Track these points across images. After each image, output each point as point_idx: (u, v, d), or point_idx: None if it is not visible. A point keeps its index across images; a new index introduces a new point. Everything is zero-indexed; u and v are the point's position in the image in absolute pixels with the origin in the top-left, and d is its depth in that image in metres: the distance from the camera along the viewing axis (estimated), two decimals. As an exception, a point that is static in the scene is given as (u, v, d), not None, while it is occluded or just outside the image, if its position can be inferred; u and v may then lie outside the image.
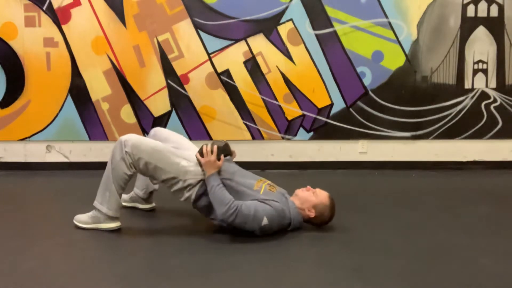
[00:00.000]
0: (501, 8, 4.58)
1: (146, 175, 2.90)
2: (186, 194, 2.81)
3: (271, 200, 2.74)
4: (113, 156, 2.79)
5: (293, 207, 2.83)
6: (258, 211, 2.67)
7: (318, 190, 2.90)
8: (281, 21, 4.55)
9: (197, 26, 4.54)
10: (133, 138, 2.79)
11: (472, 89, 4.66)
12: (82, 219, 2.92)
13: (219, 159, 2.80)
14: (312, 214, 2.83)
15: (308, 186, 2.93)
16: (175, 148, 2.94)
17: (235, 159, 3.03)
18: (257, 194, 2.77)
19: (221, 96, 4.61)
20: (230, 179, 2.81)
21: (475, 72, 4.64)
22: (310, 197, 2.85)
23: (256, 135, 4.66)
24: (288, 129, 4.66)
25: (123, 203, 3.19)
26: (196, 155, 2.82)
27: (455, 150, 4.73)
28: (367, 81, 4.63)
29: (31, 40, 4.52)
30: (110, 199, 2.81)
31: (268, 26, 4.55)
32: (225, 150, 2.86)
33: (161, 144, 2.89)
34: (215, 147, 2.80)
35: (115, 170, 2.78)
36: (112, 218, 2.86)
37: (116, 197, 2.81)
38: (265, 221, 2.68)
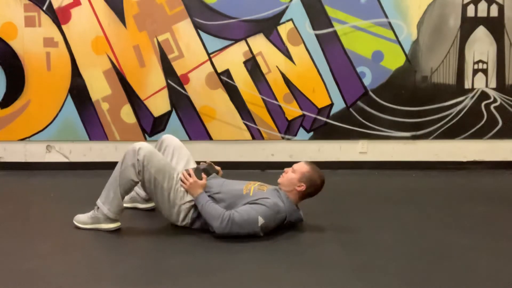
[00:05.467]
0: (501, 8, 4.57)
1: (145, 187, 2.88)
2: (183, 222, 2.87)
3: (261, 198, 2.78)
4: (124, 160, 2.82)
5: (285, 197, 2.85)
6: (251, 214, 2.70)
7: (294, 166, 2.94)
8: (281, 21, 4.55)
9: (197, 26, 4.54)
10: (147, 149, 2.82)
11: (472, 89, 4.65)
12: (82, 220, 2.92)
13: (200, 178, 2.84)
14: (303, 187, 2.86)
15: (285, 169, 2.96)
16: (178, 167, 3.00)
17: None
18: (247, 197, 2.80)
19: (221, 96, 4.61)
20: (218, 192, 2.86)
21: (475, 72, 4.64)
22: (291, 176, 2.89)
23: (256, 135, 4.65)
24: (288, 129, 4.66)
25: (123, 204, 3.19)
26: (180, 184, 2.86)
27: (455, 150, 4.72)
28: (367, 81, 4.62)
29: (31, 40, 4.51)
30: (113, 201, 2.83)
31: (268, 26, 4.55)
32: (206, 170, 2.93)
33: (170, 164, 2.95)
34: (191, 169, 2.88)
35: (123, 174, 2.80)
36: (111, 220, 2.86)
37: (119, 200, 2.83)
38: (261, 220, 2.71)
